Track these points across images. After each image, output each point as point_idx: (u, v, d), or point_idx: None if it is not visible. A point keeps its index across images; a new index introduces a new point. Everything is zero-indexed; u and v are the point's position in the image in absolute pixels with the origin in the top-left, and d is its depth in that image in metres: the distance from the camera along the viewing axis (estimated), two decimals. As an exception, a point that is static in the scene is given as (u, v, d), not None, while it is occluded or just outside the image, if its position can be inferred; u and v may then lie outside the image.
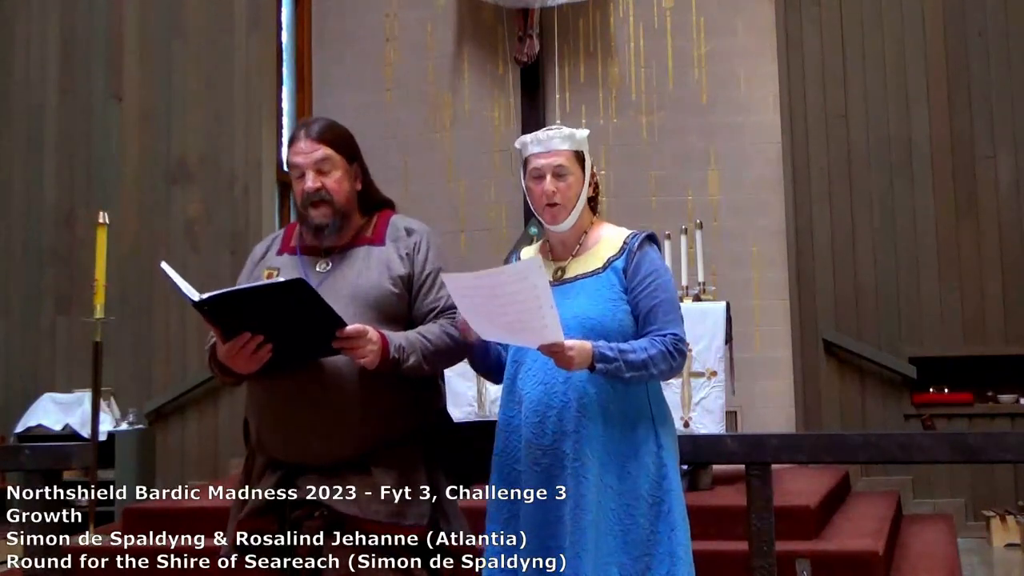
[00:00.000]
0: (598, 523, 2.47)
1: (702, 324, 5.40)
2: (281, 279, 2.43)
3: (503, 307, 2.36)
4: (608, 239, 2.67)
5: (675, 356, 2.53)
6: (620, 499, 2.50)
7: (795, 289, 7.03)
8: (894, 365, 6.80)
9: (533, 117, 7.43)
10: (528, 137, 2.67)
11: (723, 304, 5.65)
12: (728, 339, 5.58)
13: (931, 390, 6.81)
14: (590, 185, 2.67)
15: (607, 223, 2.73)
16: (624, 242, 2.64)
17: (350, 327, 2.41)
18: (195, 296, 2.37)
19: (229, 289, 2.41)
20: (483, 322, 2.45)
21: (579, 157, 2.65)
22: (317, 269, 2.61)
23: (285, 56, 8.21)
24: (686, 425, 5.33)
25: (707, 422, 5.35)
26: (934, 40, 6.99)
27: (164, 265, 2.52)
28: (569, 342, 2.40)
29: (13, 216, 7.77)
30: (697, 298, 5.91)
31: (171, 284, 2.45)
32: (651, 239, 2.68)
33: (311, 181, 2.60)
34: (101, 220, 5.04)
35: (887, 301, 6.89)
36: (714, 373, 5.40)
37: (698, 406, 5.37)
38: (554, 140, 2.63)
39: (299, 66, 8.33)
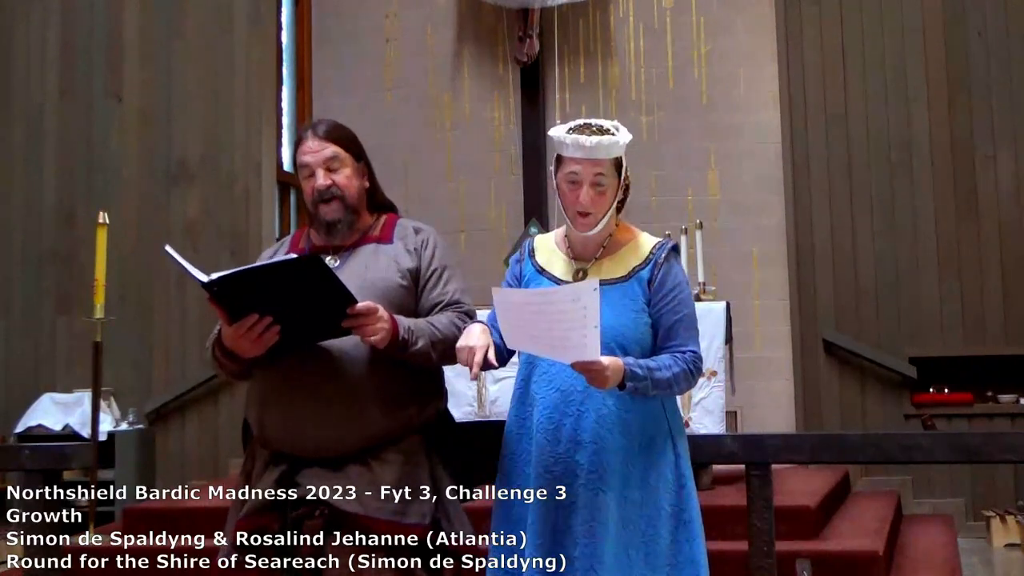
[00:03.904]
0: (620, 538, 2.44)
1: (702, 324, 5.29)
2: (294, 255, 2.42)
3: (547, 323, 2.33)
4: (634, 246, 2.62)
5: (694, 375, 2.55)
6: (643, 511, 2.48)
7: (795, 289, 7.03)
8: (894, 365, 6.79)
9: (533, 117, 7.41)
10: (570, 139, 2.51)
11: (723, 304, 5.64)
12: (728, 339, 5.58)
13: (931, 390, 6.81)
14: (622, 188, 2.59)
15: (632, 227, 2.67)
16: (651, 252, 2.60)
17: (361, 304, 2.43)
18: (203, 277, 2.36)
19: (239, 268, 2.39)
20: (519, 335, 2.43)
21: (617, 164, 2.56)
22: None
23: (285, 56, 8.21)
24: (686, 425, 5.32)
25: (707, 422, 5.35)
26: (934, 40, 6.99)
27: (168, 248, 2.53)
28: (604, 360, 2.34)
29: (13, 216, 7.77)
30: (697, 298, 5.89)
31: (177, 267, 2.44)
32: (675, 250, 2.64)
33: (322, 178, 2.63)
34: (101, 220, 5.02)
35: (887, 301, 6.89)
36: (714, 373, 5.39)
37: (698, 406, 5.37)
38: (598, 150, 2.49)
39: (299, 66, 8.33)
